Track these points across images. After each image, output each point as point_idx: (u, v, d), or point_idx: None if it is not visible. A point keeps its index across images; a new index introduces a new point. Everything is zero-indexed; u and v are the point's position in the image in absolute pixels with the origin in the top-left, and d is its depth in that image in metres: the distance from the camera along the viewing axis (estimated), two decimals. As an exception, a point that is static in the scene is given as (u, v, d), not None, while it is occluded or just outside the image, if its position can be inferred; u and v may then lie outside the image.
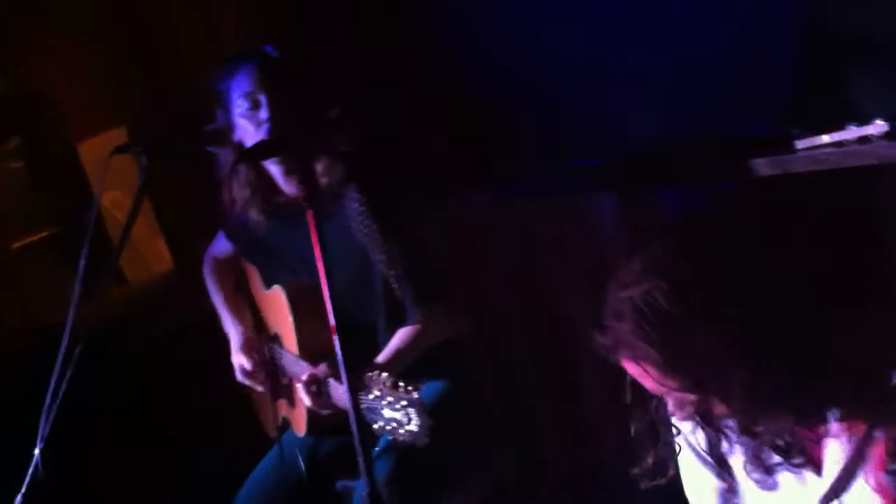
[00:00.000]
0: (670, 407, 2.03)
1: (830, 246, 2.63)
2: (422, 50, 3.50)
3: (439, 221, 3.24)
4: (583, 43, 3.12)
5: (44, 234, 4.04)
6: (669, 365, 1.95)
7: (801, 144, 2.57)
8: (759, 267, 2.01)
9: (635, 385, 2.09)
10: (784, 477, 2.05)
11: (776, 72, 2.77)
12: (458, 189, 3.48)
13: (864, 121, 2.48)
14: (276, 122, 2.71)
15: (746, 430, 1.99)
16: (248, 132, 2.75)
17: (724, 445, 2.10)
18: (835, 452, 1.97)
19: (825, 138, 2.53)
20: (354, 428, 1.99)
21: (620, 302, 1.98)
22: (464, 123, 3.50)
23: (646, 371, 1.99)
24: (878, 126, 2.45)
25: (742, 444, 2.05)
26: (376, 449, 2.77)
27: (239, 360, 3.11)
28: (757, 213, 2.81)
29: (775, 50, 2.77)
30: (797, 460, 2.01)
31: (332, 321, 1.98)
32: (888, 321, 2.08)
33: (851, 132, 2.49)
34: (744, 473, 2.09)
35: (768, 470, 2.05)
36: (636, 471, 2.18)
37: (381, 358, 2.76)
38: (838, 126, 2.51)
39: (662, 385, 1.99)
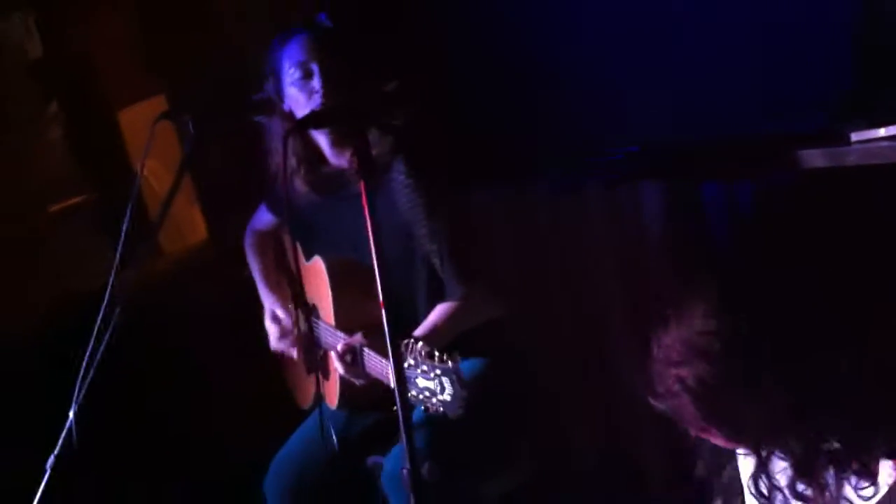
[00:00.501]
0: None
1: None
2: (460, 37, 3.48)
3: (485, 201, 3.21)
4: (634, 31, 3.10)
5: (79, 200, 4.03)
6: (733, 437, 1.95)
7: (856, 136, 2.53)
8: (809, 308, 1.93)
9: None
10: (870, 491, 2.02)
11: (834, 64, 2.73)
12: (503, 173, 3.46)
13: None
14: (328, 92, 2.70)
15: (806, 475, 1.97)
16: (299, 102, 2.73)
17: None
18: (886, 471, 1.93)
19: (881, 132, 2.50)
20: (398, 401, 1.97)
21: (672, 381, 1.94)
22: (507, 108, 3.47)
23: (714, 439, 1.99)
24: (937, 121, 2.42)
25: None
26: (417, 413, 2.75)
27: (272, 326, 3.11)
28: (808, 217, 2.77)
29: (833, 42, 2.73)
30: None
31: (380, 297, 1.96)
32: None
33: (910, 126, 2.45)
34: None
35: (804, 499, 2.04)
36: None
37: (417, 332, 2.74)
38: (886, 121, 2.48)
39: (730, 447, 2.00)
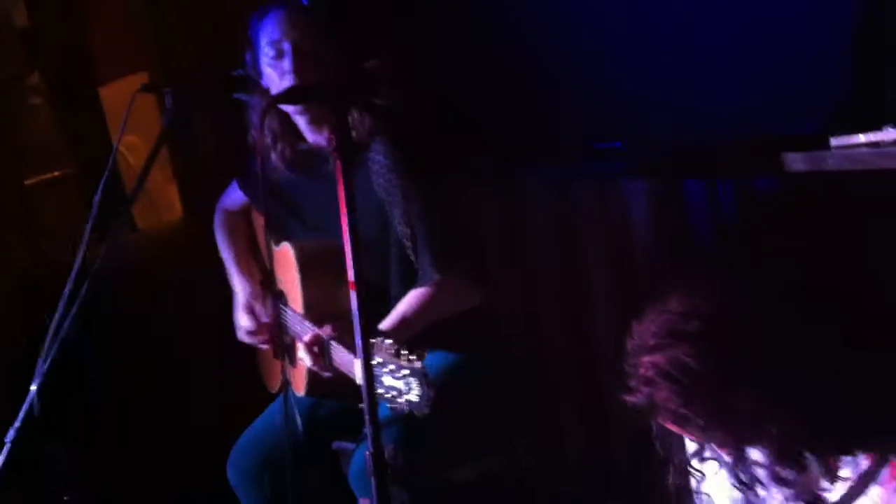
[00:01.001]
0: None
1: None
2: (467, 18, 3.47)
3: (467, 189, 3.20)
4: (628, 29, 3.09)
5: (59, 173, 4.01)
6: (713, 425, 1.88)
7: (835, 142, 2.53)
8: (795, 297, 1.89)
9: (664, 439, 2.05)
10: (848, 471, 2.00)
11: (819, 70, 2.73)
12: (488, 164, 3.45)
13: (905, 123, 2.44)
14: (300, 73, 2.66)
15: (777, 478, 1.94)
16: (274, 81, 2.71)
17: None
18: (846, 469, 1.92)
19: (861, 138, 2.49)
20: (364, 386, 1.95)
21: (647, 368, 1.89)
22: (495, 100, 3.46)
23: (689, 433, 1.94)
24: (918, 130, 2.41)
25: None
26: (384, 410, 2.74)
27: (241, 319, 3.08)
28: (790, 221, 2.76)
29: (820, 48, 2.73)
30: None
31: (351, 276, 1.94)
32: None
33: (889, 133, 2.45)
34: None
35: (786, 483, 2.01)
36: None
37: (385, 324, 2.70)
38: (876, 126, 2.47)
39: (706, 441, 1.95)
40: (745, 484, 1.96)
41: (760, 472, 1.95)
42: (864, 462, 1.89)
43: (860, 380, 1.84)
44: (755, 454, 1.94)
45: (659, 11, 3.02)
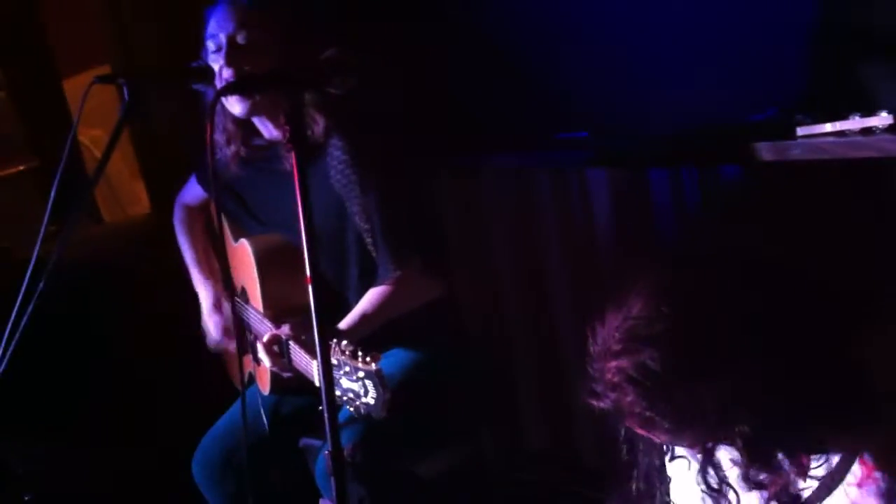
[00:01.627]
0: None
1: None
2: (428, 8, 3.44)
3: (424, 178, 3.17)
4: (590, 20, 3.07)
5: (22, 167, 3.96)
6: (680, 427, 1.86)
7: (802, 131, 2.51)
8: (755, 298, 1.85)
9: (630, 442, 2.04)
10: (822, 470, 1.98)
11: (784, 60, 2.72)
12: (440, 151, 3.42)
13: (870, 112, 2.42)
14: (234, 66, 2.63)
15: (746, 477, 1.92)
16: (217, 75, 2.67)
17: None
18: (820, 468, 1.91)
19: (827, 127, 2.47)
20: (322, 386, 1.92)
21: (613, 373, 1.86)
22: (459, 88, 3.43)
23: (656, 436, 1.91)
24: (883, 118, 2.39)
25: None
26: (345, 411, 2.71)
27: (209, 327, 3.04)
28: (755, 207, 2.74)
29: (785, 38, 2.72)
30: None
31: (308, 272, 1.89)
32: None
33: (855, 122, 2.43)
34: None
35: (759, 485, 1.99)
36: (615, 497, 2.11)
37: (344, 323, 2.67)
38: (842, 115, 2.46)
39: (674, 443, 1.93)
40: (715, 490, 1.94)
41: (733, 477, 1.93)
42: (835, 459, 1.88)
43: (825, 376, 1.81)
44: (727, 458, 1.93)
45: (622, 4, 3.01)
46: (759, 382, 1.79)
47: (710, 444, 1.89)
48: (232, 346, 3.06)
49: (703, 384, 1.79)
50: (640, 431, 1.91)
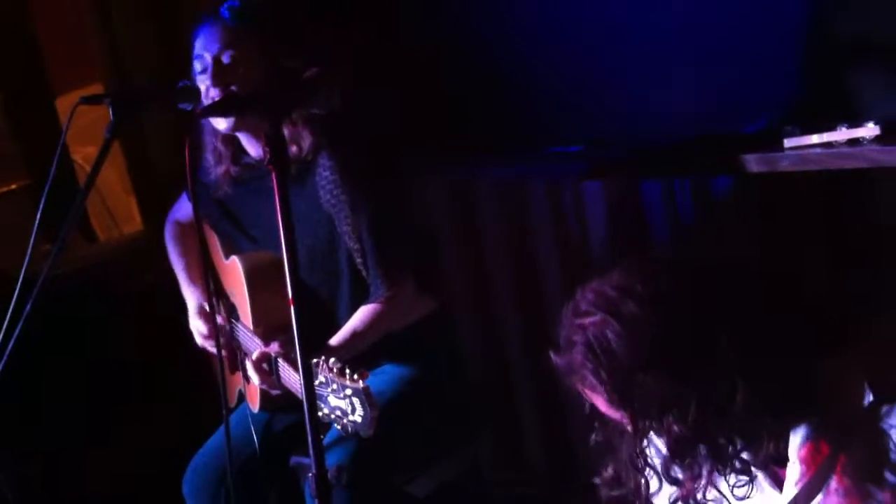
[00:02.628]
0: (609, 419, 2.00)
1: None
2: (420, 20, 3.44)
3: (413, 196, 3.17)
4: (582, 32, 3.08)
5: (15, 185, 3.97)
6: (614, 402, 1.92)
7: (789, 143, 2.51)
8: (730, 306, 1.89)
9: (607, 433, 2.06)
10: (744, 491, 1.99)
11: (773, 71, 2.72)
12: (435, 164, 3.42)
13: (857, 122, 2.42)
14: (219, 86, 2.64)
15: (682, 460, 1.94)
16: (204, 94, 2.67)
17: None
18: (794, 473, 1.91)
19: (814, 138, 2.48)
20: (306, 408, 1.92)
21: (573, 330, 1.93)
22: (453, 102, 3.44)
23: (592, 399, 1.97)
24: (870, 129, 2.40)
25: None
26: (334, 429, 2.71)
27: (196, 324, 3.04)
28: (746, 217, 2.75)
29: (773, 50, 2.72)
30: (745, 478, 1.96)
31: (290, 293, 1.89)
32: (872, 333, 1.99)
33: (842, 133, 2.43)
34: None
35: (675, 482, 2.02)
36: (597, 479, 2.11)
37: (334, 340, 2.67)
38: (829, 126, 2.46)
39: (607, 413, 1.97)
40: (637, 469, 2.00)
41: (657, 463, 1.99)
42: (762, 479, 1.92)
43: (774, 398, 1.85)
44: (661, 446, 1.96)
45: (614, 15, 3.02)
46: (707, 391, 1.84)
47: (642, 426, 1.92)
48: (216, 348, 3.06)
49: (653, 376, 1.85)
50: (585, 394, 1.97)
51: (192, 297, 3.08)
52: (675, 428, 1.86)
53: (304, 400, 1.88)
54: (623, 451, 2.03)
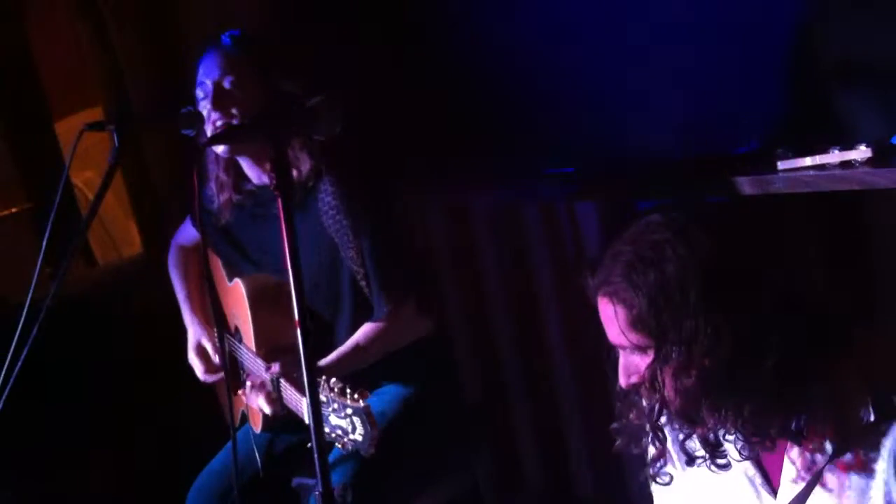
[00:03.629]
0: (620, 368, 1.96)
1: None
2: (415, 45, 3.47)
3: (412, 219, 3.20)
4: (575, 57, 3.10)
5: (15, 209, 3.99)
6: (639, 320, 1.87)
7: (783, 165, 2.54)
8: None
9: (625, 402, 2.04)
10: (740, 492, 2.01)
11: (764, 92, 2.75)
12: (434, 187, 3.45)
13: (849, 145, 2.45)
14: (222, 111, 2.69)
15: (685, 414, 1.92)
16: (206, 119, 2.72)
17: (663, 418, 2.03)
18: (790, 472, 1.94)
19: (807, 161, 2.51)
20: (312, 426, 1.94)
21: (626, 243, 1.91)
22: (449, 125, 3.46)
23: (615, 316, 1.91)
24: (862, 152, 2.43)
25: (676, 423, 1.99)
26: (336, 449, 2.73)
27: (194, 361, 3.07)
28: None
29: (764, 70, 2.75)
30: (721, 461, 1.97)
31: (296, 316, 1.92)
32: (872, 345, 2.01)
33: (834, 156, 2.47)
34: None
35: (690, 459, 2.02)
36: (615, 425, 2.09)
37: (335, 353, 2.72)
38: (822, 149, 2.49)
39: (623, 336, 1.91)
40: (648, 433, 1.99)
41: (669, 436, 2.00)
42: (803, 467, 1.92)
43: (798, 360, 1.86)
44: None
45: (607, 38, 3.04)
46: (744, 333, 1.82)
47: (665, 352, 1.87)
48: (217, 381, 3.08)
49: (697, 299, 1.82)
50: (603, 308, 1.93)
51: (191, 331, 3.11)
52: (706, 361, 1.83)
53: (311, 420, 1.91)
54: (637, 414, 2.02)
